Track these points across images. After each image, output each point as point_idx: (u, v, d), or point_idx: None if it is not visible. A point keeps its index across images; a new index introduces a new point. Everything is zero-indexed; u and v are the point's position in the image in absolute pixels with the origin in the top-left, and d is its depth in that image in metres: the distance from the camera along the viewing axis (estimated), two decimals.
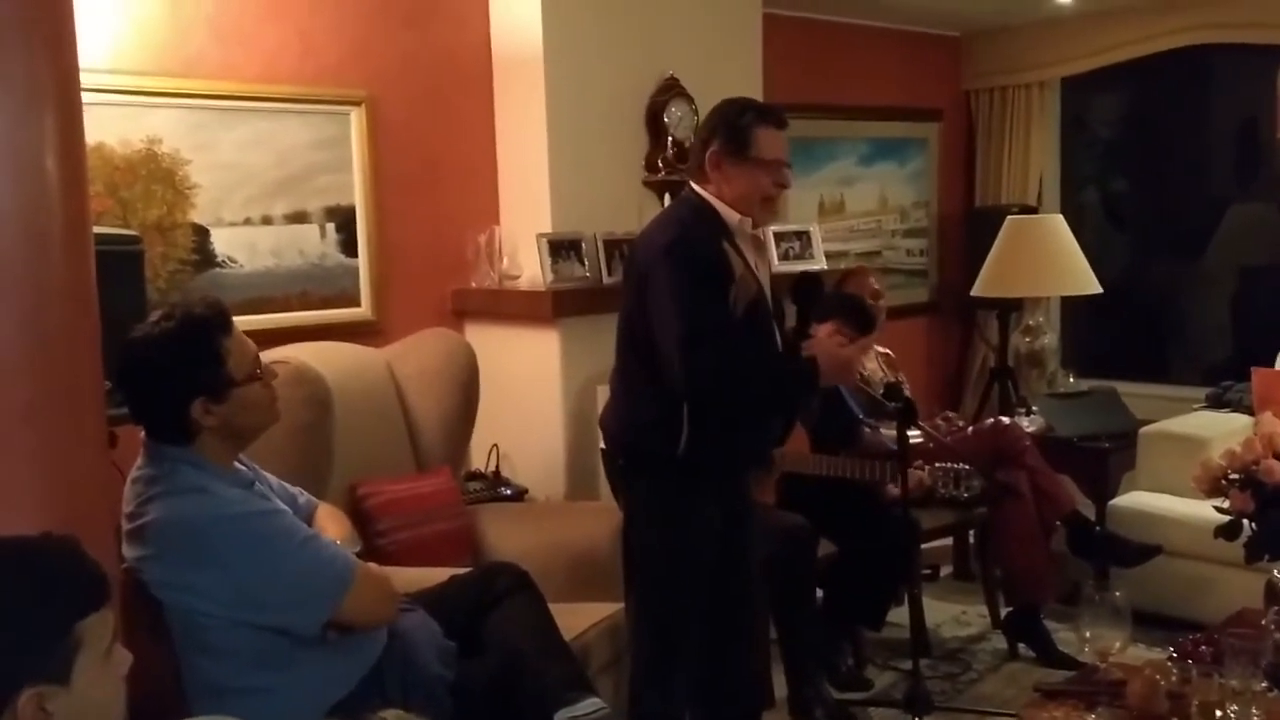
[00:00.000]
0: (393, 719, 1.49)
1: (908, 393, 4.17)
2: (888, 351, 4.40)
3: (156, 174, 3.36)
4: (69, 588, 1.41)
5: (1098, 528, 4.05)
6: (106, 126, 3.20)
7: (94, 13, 3.11)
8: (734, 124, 2.67)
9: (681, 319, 2.52)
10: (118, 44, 3.25)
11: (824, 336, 3.58)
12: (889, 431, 3.74)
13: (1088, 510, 4.27)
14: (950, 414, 4.41)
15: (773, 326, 2.75)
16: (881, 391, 3.68)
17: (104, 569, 1.48)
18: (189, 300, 2.32)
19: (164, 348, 2.14)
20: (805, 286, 2.93)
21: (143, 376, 2.16)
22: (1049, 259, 4.67)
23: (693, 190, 2.73)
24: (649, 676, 2.76)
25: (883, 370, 4.26)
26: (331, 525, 2.47)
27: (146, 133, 3.33)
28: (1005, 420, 4.35)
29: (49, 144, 1.90)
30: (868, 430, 3.85)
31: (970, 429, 4.27)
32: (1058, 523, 3.93)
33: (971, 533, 4.48)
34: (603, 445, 2.90)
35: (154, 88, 3.32)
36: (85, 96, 2.05)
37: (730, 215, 2.67)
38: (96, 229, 2.14)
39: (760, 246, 2.83)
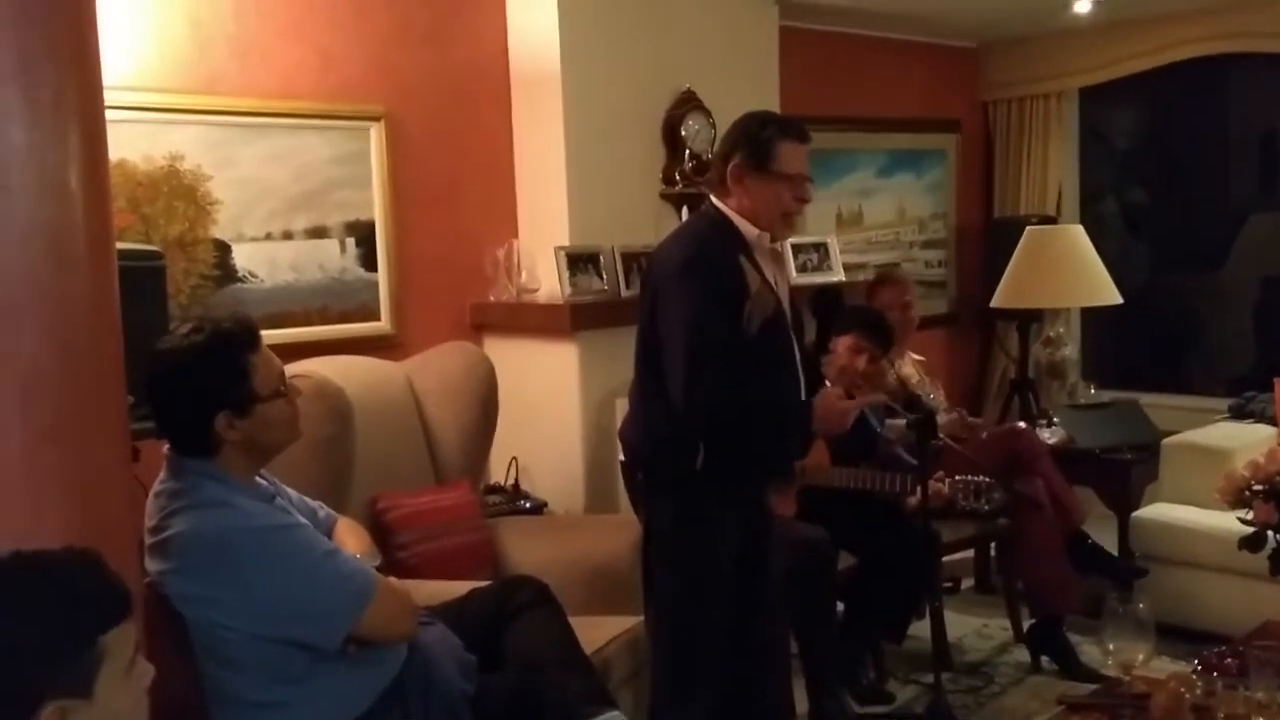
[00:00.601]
0: None
1: (941, 400, 4.19)
2: (922, 359, 4.39)
3: (178, 190, 3.39)
4: (91, 601, 1.42)
5: (1089, 540, 4.04)
6: (129, 143, 3.23)
7: (116, 30, 3.14)
8: (756, 137, 2.67)
9: (688, 336, 2.54)
10: (140, 61, 3.28)
11: (841, 351, 3.60)
12: (895, 423, 3.73)
13: (1110, 522, 4.25)
14: (963, 411, 4.41)
15: (791, 341, 2.75)
16: (902, 403, 3.67)
17: (126, 582, 1.49)
18: (219, 315, 2.34)
19: (191, 360, 2.15)
20: (825, 300, 2.92)
21: (168, 387, 2.17)
22: (1069, 270, 4.65)
23: (712, 204, 2.74)
24: (670, 690, 2.76)
25: (919, 375, 4.25)
26: (351, 539, 2.47)
27: (168, 149, 3.36)
28: (1020, 425, 4.34)
29: (73, 161, 1.92)
30: (888, 443, 3.83)
31: (985, 435, 4.26)
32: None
33: (992, 545, 4.46)
34: (622, 458, 2.90)
35: (176, 105, 3.35)
36: (108, 113, 2.07)
37: (749, 230, 2.67)
38: (119, 245, 2.16)
39: (779, 260, 2.82)
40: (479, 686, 2.36)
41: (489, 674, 2.41)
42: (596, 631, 2.84)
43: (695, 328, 2.54)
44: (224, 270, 3.49)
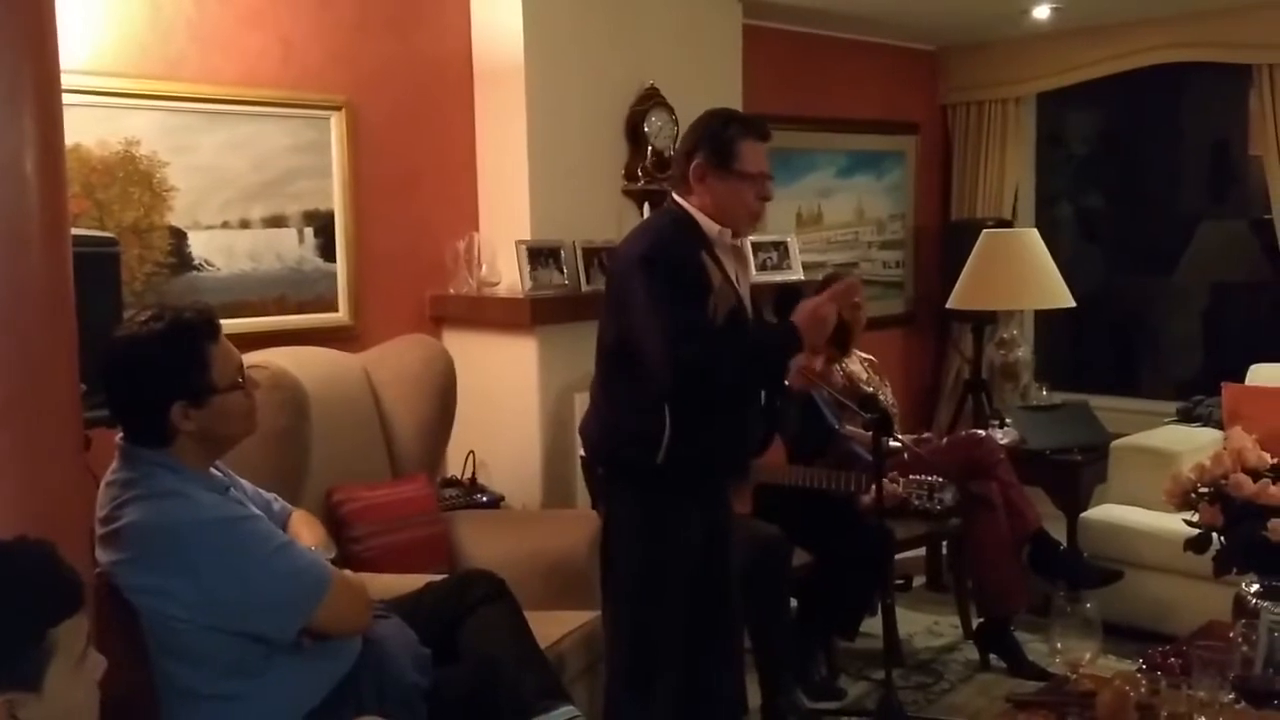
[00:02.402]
0: None
1: (890, 399, 4.22)
2: (871, 357, 4.42)
3: (134, 176, 3.34)
4: (43, 593, 1.40)
5: (1062, 547, 4.08)
6: (84, 127, 3.18)
7: (74, 13, 3.09)
8: (718, 137, 2.68)
9: (667, 320, 2.53)
10: (97, 45, 3.23)
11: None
12: (855, 430, 3.76)
13: (1059, 522, 4.31)
14: (926, 435, 4.44)
15: None
16: (857, 402, 3.70)
17: (79, 574, 1.47)
18: (179, 304, 2.31)
19: (149, 348, 2.13)
20: (786, 299, 2.94)
21: (125, 375, 2.14)
22: (1023, 273, 4.71)
23: (674, 201, 2.74)
24: (626, 685, 2.77)
25: (867, 373, 4.28)
26: (306, 532, 2.45)
27: (125, 134, 3.31)
28: (980, 433, 4.38)
29: (28, 144, 1.89)
30: (844, 440, 3.86)
31: (945, 440, 4.29)
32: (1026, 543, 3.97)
33: (944, 544, 4.51)
34: (582, 453, 2.90)
35: (133, 89, 3.30)
36: (64, 97, 2.04)
37: (710, 227, 2.69)
38: (73, 230, 2.13)
39: (741, 258, 2.83)
40: (434, 681, 2.35)
41: (444, 668, 2.41)
42: (552, 626, 2.85)
43: (672, 310, 2.53)
44: (180, 258, 3.45)
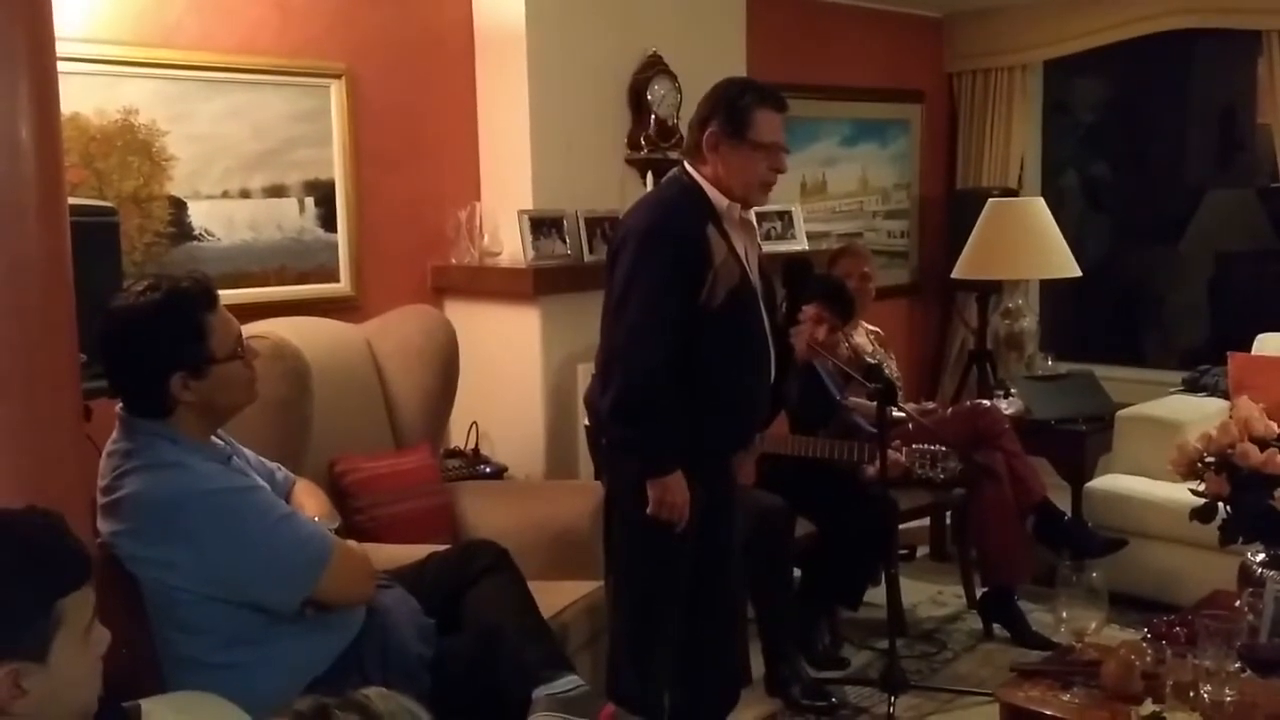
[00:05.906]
0: (371, 696, 1.48)
1: (895, 371, 4.21)
2: (877, 330, 4.41)
3: (133, 145, 3.31)
4: (51, 565, 1.40)
5: (1066, 517, 4.08)
6: (82, 96, 3.15)
7: None
8: (733, 105, 2.65)
9: (640, 311, 2.55)
10: (94, 12, 3.19)
11: (806, 321, 3.61)
12: (859, 400, 3.75)
13: (1064, 492, 4.30)
14: (930, 404, 4.43)
15: (760, 313, 2.75)
16: (861, 372, 3.69)
17: (86, 546, 1.46)
18: (176, 273, 2.29)
19: (147, 318, 2.11)
20: (795, 270, 2.93)
21: (123, 346, 2.13)
22: (1029, 242, 4.68)
23: (685, 171, 2.72)
24: (628, 655, 2.77)
25: (872, 345, 4.27)
26: (310, 501, 2.45)
27: (123, 103, 3.28)
28: (985, 403, 4.37)
29: (23, 113, 1.87)
30: (847, 411, 3.85)
31: (949, 411, 4.28)
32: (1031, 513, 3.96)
33: (948, 514, 4.51)
34: (586, 423, 2.89)
35: (131, 57, 3.27)
36: (60, 65, 2.02)
37: (719, 199, 2.66)
38: (72, 200, 2.11)
39: (750, 230, 2.81)
40: (437, 651, 2.35)
41: (448, 638, 2.41)
42: (555, 596, 2.85)
43: (649, 303, 2.54)
44: (179, 228, 3.43)
